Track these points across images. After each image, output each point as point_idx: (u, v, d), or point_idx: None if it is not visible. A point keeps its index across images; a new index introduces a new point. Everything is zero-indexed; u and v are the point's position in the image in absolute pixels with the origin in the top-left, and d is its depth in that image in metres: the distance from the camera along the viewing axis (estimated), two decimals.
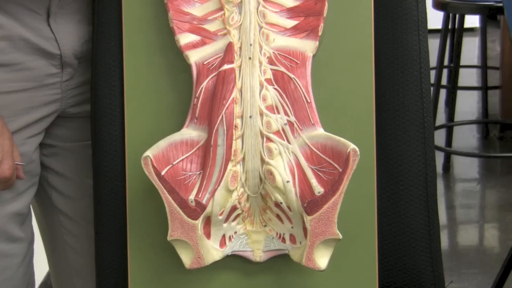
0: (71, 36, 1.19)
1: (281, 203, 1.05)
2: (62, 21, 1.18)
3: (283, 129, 1.06)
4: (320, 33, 1.07)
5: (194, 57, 1.07)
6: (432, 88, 3.38)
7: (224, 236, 1.09)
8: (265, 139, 1.06)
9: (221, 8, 1.07)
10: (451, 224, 3.04)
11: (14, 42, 1.13)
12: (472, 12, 3.37)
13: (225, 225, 1.08)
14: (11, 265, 1.22)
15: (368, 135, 1.10)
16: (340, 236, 1.03)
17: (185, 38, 1.07)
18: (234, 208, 1.07)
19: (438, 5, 3.33)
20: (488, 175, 3.49)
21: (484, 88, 3.73)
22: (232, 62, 1.06)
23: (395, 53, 1.12)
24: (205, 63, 1.07)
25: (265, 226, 1.10)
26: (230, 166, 1.05)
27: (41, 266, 1.37)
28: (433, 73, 3.51)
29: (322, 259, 1.04)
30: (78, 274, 1.33)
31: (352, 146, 1.01)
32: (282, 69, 1.06)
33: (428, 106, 1.13)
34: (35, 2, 1.14)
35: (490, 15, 3.36)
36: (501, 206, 3.19)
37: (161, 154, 1.05)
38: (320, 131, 1.06)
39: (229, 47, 1.06)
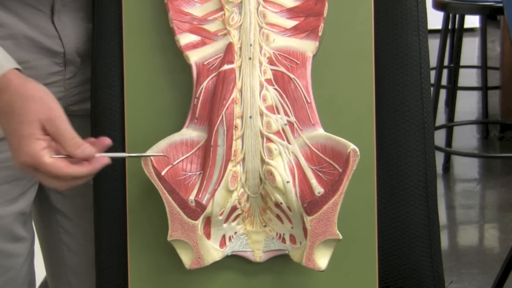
0: (75, 34, 1.20)
1: (281, 203, 1.05)
2: (66, 19, 1.18)
3: (283, 129, 1.06)
4: (320, 33, 1.07)
5: (194, 57, 1.07)
6: (432, 88, 3.38)
7: (224, 236, 1.09)
8: (265, 139, 1.06)
9: (221, 9, 1.07)
10: (451, 224, 3.04)
11: (18, 40, 1.13)
12: (472, 12, 3.38)
13: (225, 225, 1.08)
14: (15, 265, 1.22)
15: (368, 135, 1.10)
16: (340, 236, 1.03)
17: (185, 38, 1.07)
18: (234, 209, 1.07)
19: (438, 5, 3.33)
20: (488, 175, 3.49)
21: (484, 88, 3.74)
22: (232, 63, 1.06)
23: (395, 53, 1.12)
24: (205, 63, 1.07)
25: (265, 226, 1.10)
26: (230, 166, 1.05)
27: (41, 266, 1.37)
28: (433, 73, 3.51)
29: (322, 260, 1.04)
30: (74, 273, 1.33)
31: (352, 146, 1.01)
32: (282, 69, 1.06)
33: (428, 106, 1.13)
34: (39, 0, 1.14)
35: (490, 15, 3.36)
36: (501, 206, 3.19)
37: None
38: (320, 131, 1.06)
39: (229, 47, 1.06)
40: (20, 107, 0.98)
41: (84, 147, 0.98)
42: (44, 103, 0.99)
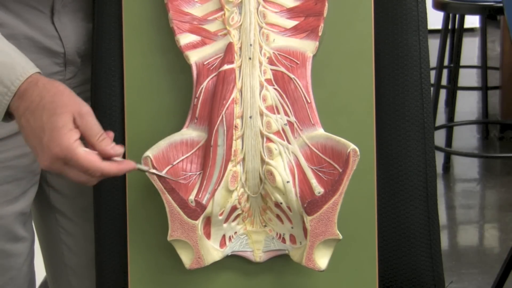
0: (75, 34, 1.20)
1: (281, 203, 1.05)
2: (66, 19, 1.18)
3: (283, 129, 1.06)
4: (320, 33, 1.07)
5: (194, 57, 1.07)
6: (432, 88, 3.38)
7: (224, 236, 1.09)
8: (265, 139, 1.06)
9: (221, 9, 1.07)
10: (451, 224, 3.04)
11: (18, 41, 1.13)
12: (472, 12, 3.38)
13: (225, 225, 1.08)
14: (15, 265, 1.22)
15: (368, 135, 1.10)
16: (340, 236, 1.03)
17: (185, 38, 1.07)
18: (234, 208, 1.07)
19: (438, 5, 3.33)
20: (488, 175, 3.49)
21: (484, 88, 3.73)
22: (232, 62, 1.06)
23: (395, 53, 1.12)
24: (205, 63, 1.07)
25: (265, 226, 1.10)
26: (230, 166, 1.05)
27: (41, 266, 1.37)
28: (433, 73, 3.51)
29: (322, 259, 1.04)
30: (74, 273, 1.33)
31: (352, 146, 1.01)
32: (282, 69, 1.06)
33: (428, 106, 1.13)
34: (39, 1, 1.15)
35: (490, 15, 3.36)
36: (501, 206, 3.19)
37: (161, 154, 1.05)
38: (320, 131, 1.06)
39: (229, 47, 1.06)
40: (51, 102, 0.99)
41: (114, 145, 1.00)
42: (73, 98, 1.00)
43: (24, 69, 1.01)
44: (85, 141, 1.00)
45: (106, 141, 0.99)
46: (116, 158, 1.00)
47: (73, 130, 0.97)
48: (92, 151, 0.98)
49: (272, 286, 1.12)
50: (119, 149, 1.00)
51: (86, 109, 1.00)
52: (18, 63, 1.01)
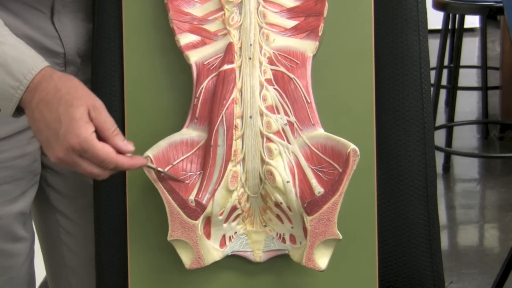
0: (75, 35, 1.20)
1: (281, 203, 1.05)
2: (66, 20, 1.18)
3: (283, 129, 1.06)
4: (320, 33, 1.07)
5: (194, 57, 1.07)
6: (432, 88, 3.38)
7: (224, 236, 1.09)
8: (265, 139, 1.06)
9: (221, 8, 1.07)
10: (451, 224, 3.04)
11: None
12: (472, 12, 3.38)
13: (225, 225, 1.08)
14: (15, 265, 1.22)
15: (368, 135, 1.10)
16: (340, 236, 1.03)
17: (185, 38, 1.07)
18: (234, 208, 1.07)
19: (438, 5, 3.33)
20: (488, 175, 3.49)
21: (484, 88, 3.73)
22: (232, 62, 1.06)
23: (395, 53, 1.12)
24: (205, 63, 1.07)
25: (265, 226, 1.10)
26: (230, 166, 1.05)
27: (41, 266, 1.38)
28: (433, 73, 3.51)
29: (322, 259, 1.04)
30: (74, 273, 1.33)
31: (352, 146, 1.01)
32: (282, 69, 1.06)
33: (428, 106, 1.13)
34: (39, 1, 1.15)
35: (490, 15, 3.36)
36: (501, 206, 3.19)
37: (161, 154, 1.05)
38: (320, 131, 1.06)
39: (229, 47, 1.06)
40: (67, 93, 1.00)
41: (126, 141, 1.01)
42: (87, 91, 1.02)
43: (35, 63, 1.02)
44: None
45: (120, 136, 1.01)
46: (126, 155, 1.02)
47: (89, 122, 0.99)
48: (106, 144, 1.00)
49: (272, 286, 1.12)
50: (131, 146, 1.02)
51: (99, 103, 1.01)
52: (29, 57, 1.02)
